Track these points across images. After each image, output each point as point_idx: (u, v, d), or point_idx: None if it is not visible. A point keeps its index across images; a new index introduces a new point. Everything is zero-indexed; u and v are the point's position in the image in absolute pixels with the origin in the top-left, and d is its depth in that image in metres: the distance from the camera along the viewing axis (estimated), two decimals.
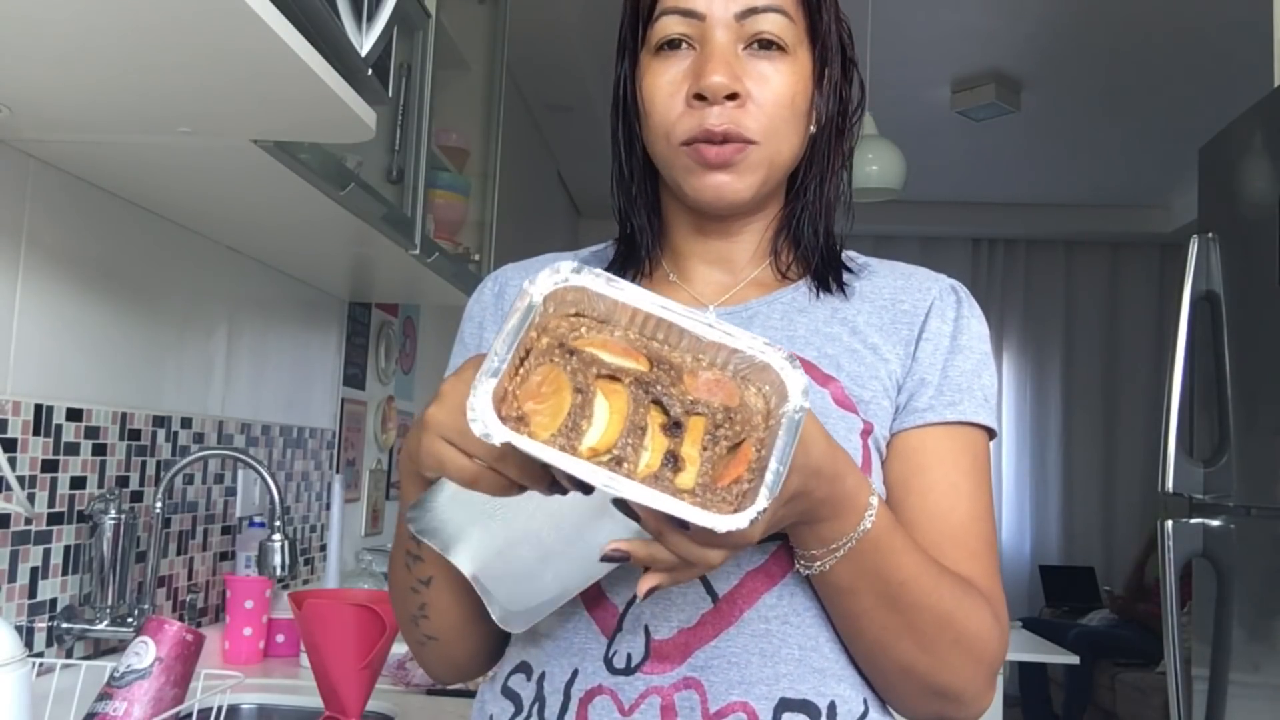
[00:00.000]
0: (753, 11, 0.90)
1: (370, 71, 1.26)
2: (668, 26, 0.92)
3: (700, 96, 0.89)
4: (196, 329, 1.98)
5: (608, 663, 0.86)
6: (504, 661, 0.94)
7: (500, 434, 0.66)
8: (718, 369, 0.73)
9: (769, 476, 0.67)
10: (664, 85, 0.92)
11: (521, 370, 0.70)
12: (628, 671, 0.85)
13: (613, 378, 0.71)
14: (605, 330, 0.73)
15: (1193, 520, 2.18)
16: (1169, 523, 2.16)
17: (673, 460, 0.69)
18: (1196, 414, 2.28)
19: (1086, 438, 7.11)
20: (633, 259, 1.00)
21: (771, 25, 0.90)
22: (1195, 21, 4.02)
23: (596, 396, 0.70)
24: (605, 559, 0.72)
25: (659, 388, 0.71)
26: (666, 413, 0.71)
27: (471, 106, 2.73)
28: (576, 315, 0.73)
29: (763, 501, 0.66)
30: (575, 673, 0.87)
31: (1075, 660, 3.83)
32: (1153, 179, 6.19)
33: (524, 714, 0.89)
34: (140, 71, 1.12)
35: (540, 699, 0.88)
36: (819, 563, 0.81)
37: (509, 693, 0.91)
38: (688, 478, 0.69)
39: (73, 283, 1.60)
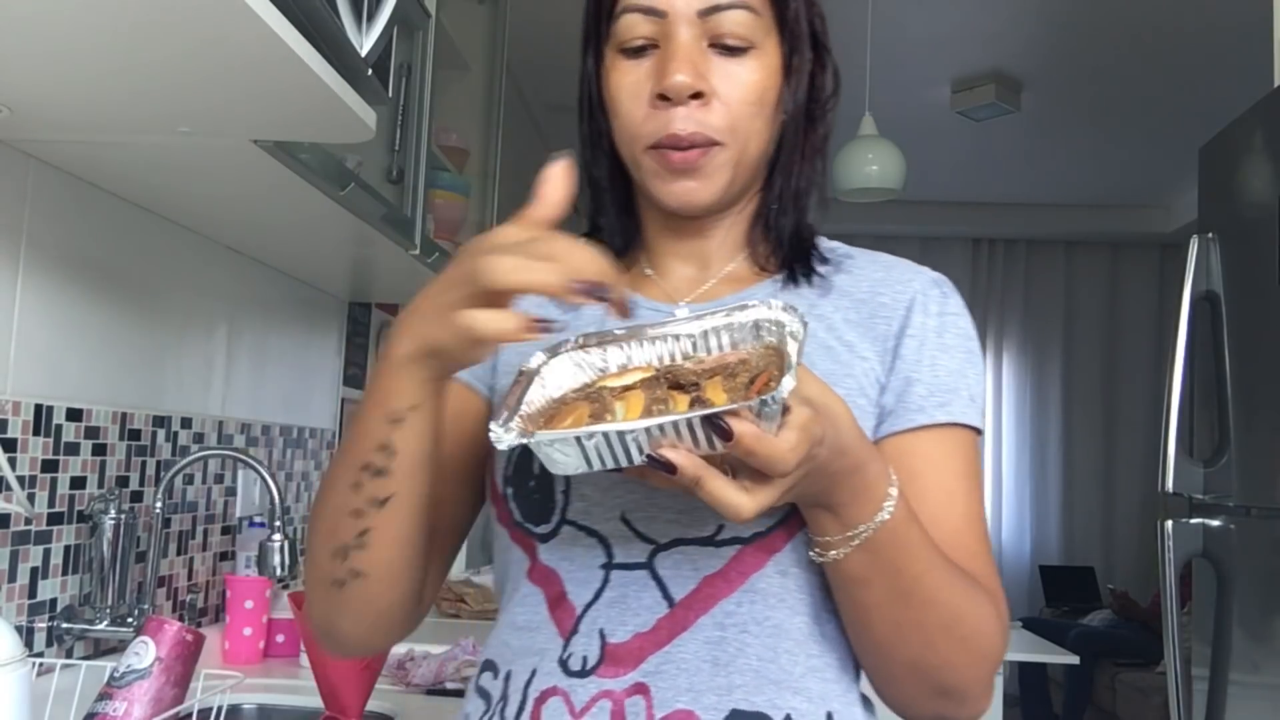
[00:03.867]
0: (716, 9, 0.87)
1: (370, 71, 1.26)
2: (630, 25, 0.89)
3: (664, 97, 0.87)
4: (196, 329, 1.98)
5: (563, 664, 0.85)
6: (479, 659, 0.94)
7: (519, 429, 0.71)
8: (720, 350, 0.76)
9: (789, 368, 0.69)
10: (628, 86, 0.89)
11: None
12: (582, 674, 0.84)
13: (625, 389, 0.74)
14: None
15: (1193, 520, 2.18)
16: (1169, 523, 2.16)
17: (700, 404, 0.71)
18: (1196, 414, 2.28)
19: (1086, 438, 7.11)
20: None
21: (736, 23, 0.88)
22: (1195, 22, 4.02)
23: (614, 404, 0.73)
24: (651, 463, 0.69)
25: (670, 375, 0.74)
26: (684, 389, 0.73)
27: (471, 106, 2.73)
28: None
29: (789, 381, 0.67)
30: (534, 672, 0.86)
31: (1075, 660, 3.83)
32: (1153, 179, 6.18)
33: (490, 712, 0.88)
34: (140, 71, 1.12)
35: (505, 697, 0.88)
36: (834, 550, 0.79)
37: (481, 691, 0.91)
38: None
39: (73, 283, 1.60)
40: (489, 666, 0.91)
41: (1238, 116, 2.21)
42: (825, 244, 0.98)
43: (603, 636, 0.85)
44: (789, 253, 0.95)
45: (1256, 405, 2.07)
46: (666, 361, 0.77)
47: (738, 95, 0.88)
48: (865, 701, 0.91)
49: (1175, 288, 2.28)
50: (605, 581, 0.86)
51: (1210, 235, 2.23)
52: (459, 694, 1.80)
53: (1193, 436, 2.29)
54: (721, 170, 0.89)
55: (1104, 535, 7.07)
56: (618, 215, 0.98)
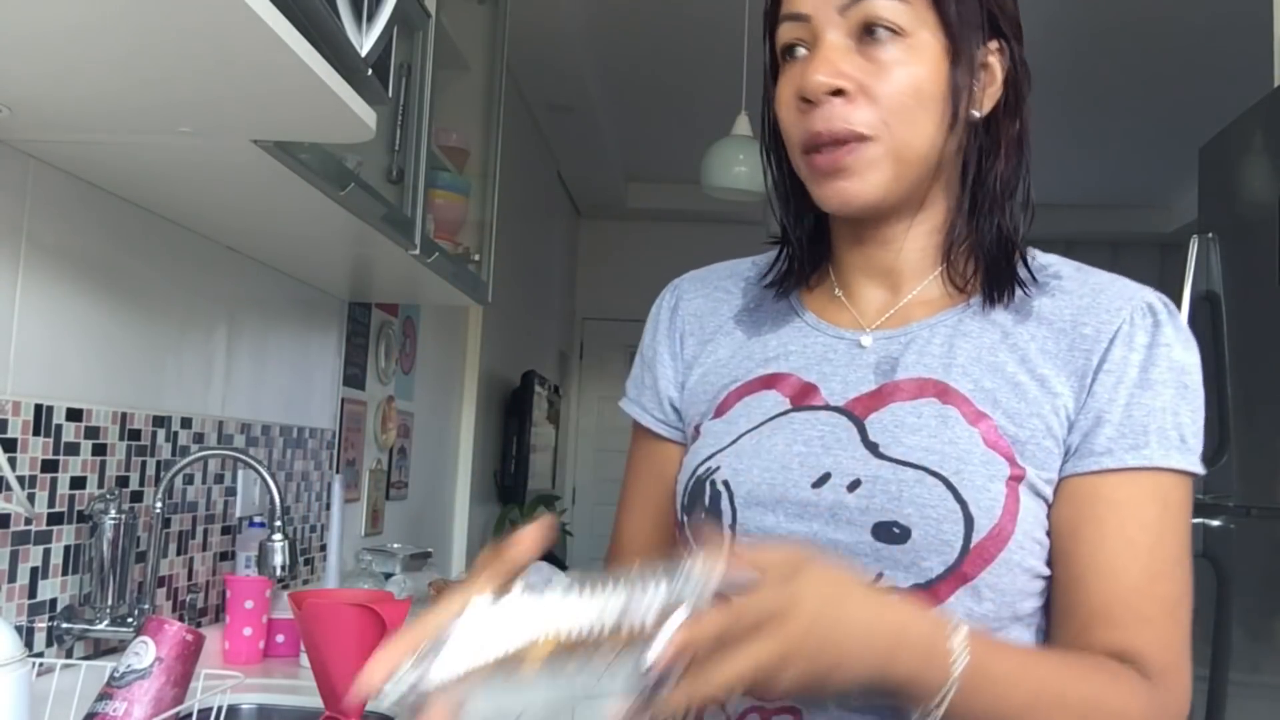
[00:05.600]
0: (855, 1, 0.85)
1: (370, 71, 1.26)
2: (783, 34, 0.89)
3: (806, 99, 0.86)
4: (196, 329, 1.98)
5: None
6: None
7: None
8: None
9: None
10: (784, 96, 0.89)
11: None
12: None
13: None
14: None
15: (1193, 520, 2.18)
16: None
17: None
18: None
19: None
20: (790, 274, 0.98)
21: (879, 10, 0.85)
22: (1195, 21, 4.02)
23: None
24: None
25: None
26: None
27: (471, 106, 2.73)
28: None
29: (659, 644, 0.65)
30: None
31: None
32: (1153, 179, 6.19)
33: None
34: (140, 72, 1.12)
35: None
36: (930, 717, 0.75)
37: None
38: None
39: (73, 283, 1.60)
40: None
41: (1238, 116, 2.21)
42: (1035, 259, 0.92)
43: None
44: (989, 268, 0.90)
45: (1256, 405, 2.07)
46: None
47: (888, 88, 0.85)
48: None
49: (1175, 288, 2.27)
50: None
51: (1210, 235, 2.23)
52: None
53: None
54: (875, 166, 0.86)
55: None
56: (802, 232, 0.97)
